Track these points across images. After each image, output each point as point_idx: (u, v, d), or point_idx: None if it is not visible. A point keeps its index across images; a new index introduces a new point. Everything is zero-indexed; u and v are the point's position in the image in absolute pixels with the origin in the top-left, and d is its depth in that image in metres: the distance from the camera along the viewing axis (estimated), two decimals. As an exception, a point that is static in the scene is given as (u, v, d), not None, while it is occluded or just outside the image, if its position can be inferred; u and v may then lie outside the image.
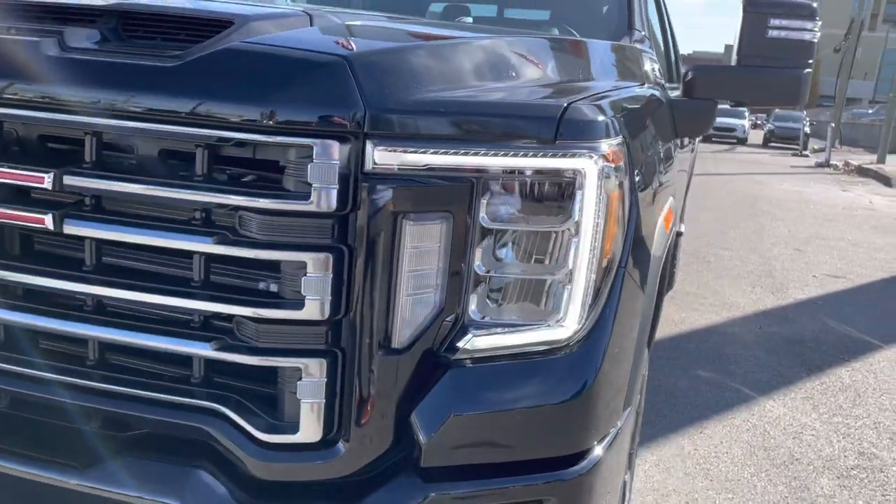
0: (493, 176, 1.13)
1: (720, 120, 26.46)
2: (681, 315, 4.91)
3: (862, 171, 17.18)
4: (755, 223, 9.01)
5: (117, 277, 1.14)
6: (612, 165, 1.19)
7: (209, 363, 1.16)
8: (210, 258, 1.11)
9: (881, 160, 18.47)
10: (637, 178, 1.38)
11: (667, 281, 2.29)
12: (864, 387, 3.92)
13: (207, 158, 1.08)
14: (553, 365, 1.18)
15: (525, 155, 1.12)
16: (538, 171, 1.14)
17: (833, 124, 22.93)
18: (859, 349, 4.51)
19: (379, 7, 2.73)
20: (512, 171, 1.13)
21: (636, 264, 1.33)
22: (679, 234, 5.12)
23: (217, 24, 1.15)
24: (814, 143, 27.33)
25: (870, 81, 55.81)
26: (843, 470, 3.01)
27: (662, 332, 4.53)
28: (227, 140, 1.05)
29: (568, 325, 1.19)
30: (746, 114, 28.28)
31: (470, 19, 2.69)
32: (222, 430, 1.13)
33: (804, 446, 3.20)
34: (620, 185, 1.24)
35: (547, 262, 1.20)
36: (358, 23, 1.45)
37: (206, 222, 1.10)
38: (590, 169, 1.14)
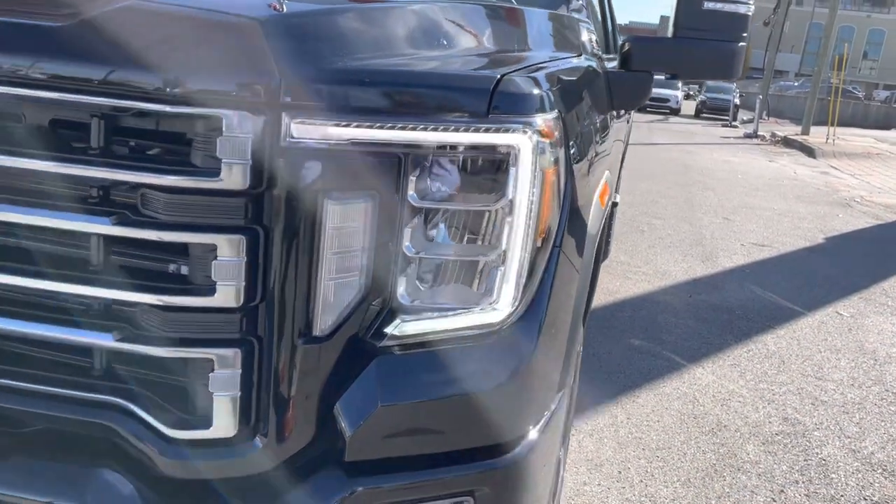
0: (422, 152, 1.05)
1: (655, 90, 26.97)
2: (615, 284, 4.97)
3: (787, 143, 17.74)
4: (687, 193, 9.20)
5: (5, 260, 1.02)
6: (547, 141, 1.13)
7: (112, 354, 1.06)
8: (110, 240, 1.01)
9: (805, 132, 19.08)
10: (573, 153, 1.32)
11: (602, 253, 2.27)
12: (788, 353, 4.05)
13: (104, 130, 0.97)
14: (485, 350, 1.12)
15: (456, 129, 1.04)
16: (470, 147, 1.07)
17: (761, 96, 23.59)
18: (783, 316, 4.65)
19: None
20: (442, 147, 1.05)
21: (571, 242, 1.28)
22: (615, 205, 5.16)
23: None
24: (743, 115, 28.06)
25: (796, 54, 57.51)
26: (768, 436, 3.10)
27: (597, 301, 4.57)
28: (126, 110, 0.95)
29: (501, 307, 1.13)
30: (679, 85, 29.14)
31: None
32: (128, 426, 1.03)
33: (731, 413, 3.28)
34: (556, 160, 1.18)
35: (480, 242, 1.14)
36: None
37: (105, 201, 0.99)
38: (524, 144, 1.08)
